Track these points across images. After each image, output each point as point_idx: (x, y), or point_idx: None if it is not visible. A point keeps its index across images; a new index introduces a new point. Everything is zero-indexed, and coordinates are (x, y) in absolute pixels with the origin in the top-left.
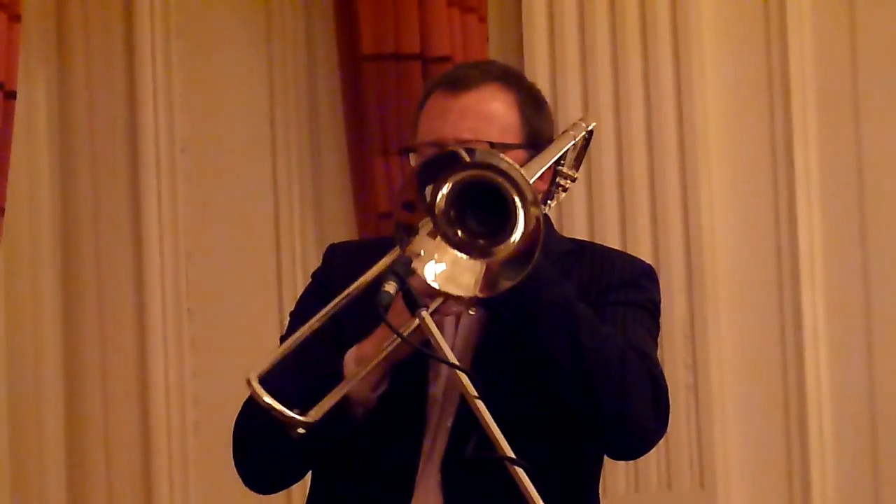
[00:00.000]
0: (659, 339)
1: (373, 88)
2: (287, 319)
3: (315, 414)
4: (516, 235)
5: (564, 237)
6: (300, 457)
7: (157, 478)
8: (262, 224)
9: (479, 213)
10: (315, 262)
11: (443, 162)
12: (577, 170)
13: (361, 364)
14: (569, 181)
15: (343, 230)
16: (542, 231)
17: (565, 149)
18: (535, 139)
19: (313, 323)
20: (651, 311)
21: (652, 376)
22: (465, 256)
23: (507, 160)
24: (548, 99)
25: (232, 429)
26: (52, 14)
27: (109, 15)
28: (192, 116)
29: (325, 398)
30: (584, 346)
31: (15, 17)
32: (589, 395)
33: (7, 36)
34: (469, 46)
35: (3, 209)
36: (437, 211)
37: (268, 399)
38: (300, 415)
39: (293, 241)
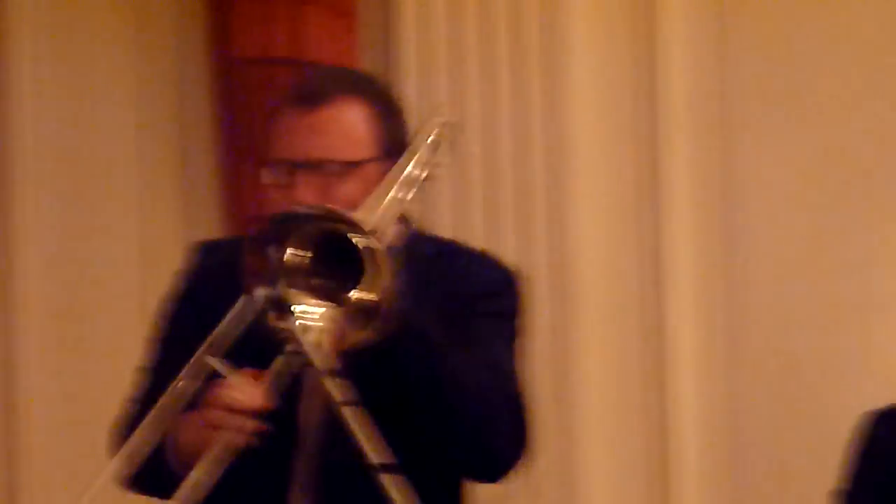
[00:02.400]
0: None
1: (242, 92)
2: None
3: None
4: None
5: (427, 237)
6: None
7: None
8: (127, 230)
9: (330, 261)
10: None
11: (278, 224)
12: (438, 156)
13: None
14: (434, 169)
15: (212, 234)
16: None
17: (419, 151)
18: (392, 148)
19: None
20: (514, 320)
21: (513, 399)
22: (323, 303)
23: (342, 212)
24: (418, 104)
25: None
26: None
27: None
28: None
29: None
30: (440, 377)
31: None
32: (445, 424)
33: None
34: (340, 51)
35: None
36: (289, 266)
37: None
38: None
39: (162, 246)
